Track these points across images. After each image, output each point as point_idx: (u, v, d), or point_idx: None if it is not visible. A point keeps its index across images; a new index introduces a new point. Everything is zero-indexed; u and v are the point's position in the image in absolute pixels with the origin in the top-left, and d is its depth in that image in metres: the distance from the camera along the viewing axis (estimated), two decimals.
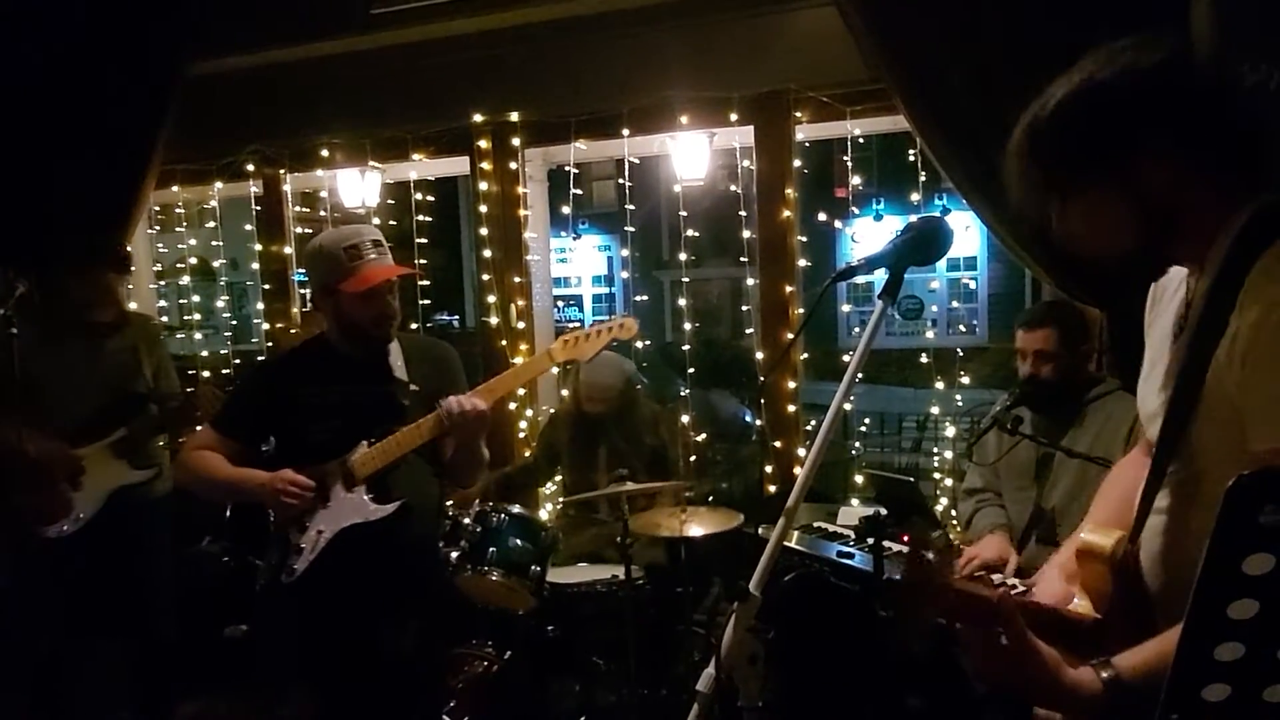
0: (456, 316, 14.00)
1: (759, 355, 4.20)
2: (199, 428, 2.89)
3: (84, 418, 3.44)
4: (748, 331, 4.38)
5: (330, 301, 2.62)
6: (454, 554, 3.21)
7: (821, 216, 5.00)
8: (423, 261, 5.03)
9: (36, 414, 3.31)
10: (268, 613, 2.70)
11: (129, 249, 4.21)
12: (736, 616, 1.38)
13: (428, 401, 2.59)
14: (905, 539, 3.21)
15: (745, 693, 1.29)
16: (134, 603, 3.59)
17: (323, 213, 5.12)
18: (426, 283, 5.04)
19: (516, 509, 3.40)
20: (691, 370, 4.47)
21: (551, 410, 4.58)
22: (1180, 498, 1.38)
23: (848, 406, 4.58)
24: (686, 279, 4.56)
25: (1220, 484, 1.27)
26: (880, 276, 1.47)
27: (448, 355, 2.87)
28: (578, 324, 20.06)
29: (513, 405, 4.52)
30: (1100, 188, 1.34)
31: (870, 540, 2.83)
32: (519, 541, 3.30)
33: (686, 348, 4.53)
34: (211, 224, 5.23)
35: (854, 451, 4.57)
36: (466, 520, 3.29)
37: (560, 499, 4.28)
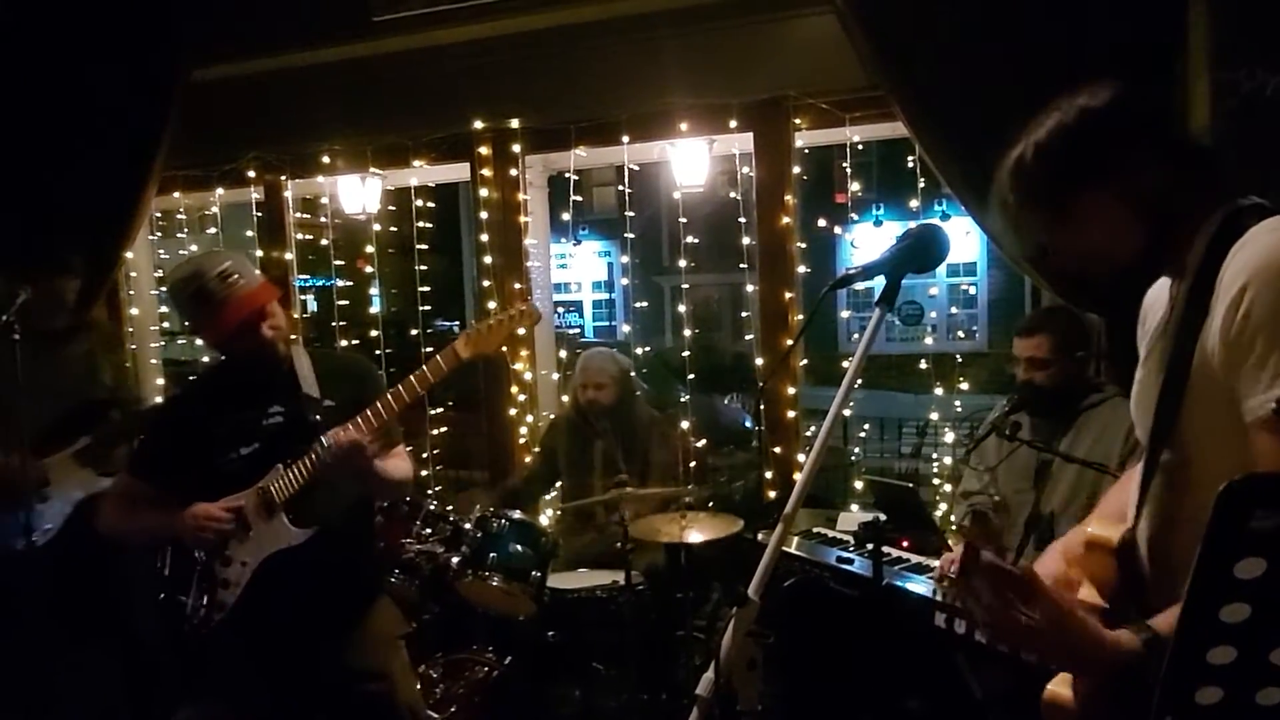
0: (456, 322, 14.01)
1: (759, 361, 4.22)
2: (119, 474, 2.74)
3: (45, 427, 3.38)
4: (747, 337, 4.40)
5: (208, 343, 2.53)
6: (455, 559, 3.21)
7: (821, 222, 5.02)
8: (423, 268, 5.05)
9: None
10: (202, 650, 2.54)
11: (127, 248, 4.16)
12: (736, 621, 1.39)
13: (344, 416, 2.46)
14: (904, 544, 3.23)
15: (744, 697, 1.30)
16: (106, 612, 3.55)
17: (323, 219, 5.13)
18: (427, 289, 5.06)
19: (517, 514, 3.42)
20: (691, 376, 4.48)
21: (552, 416, 4.60)
22: (1171, 485, 1.44)
23: (846, 412, 4.61)
24: (686, 285, 4.58)
25: (1208, 469, 1.36)
26: (879, 283, 1.49)
27: (363, 368, 2.78)
28: (578, 330, 19.96)
29: (513, 411, 4.54)
30: (1099, 207, 1.44)
31: (869, 546, 2.84)
32: (519, 547, 3.31)
33: (686, 354, 4.54)
34: (213, 230, 5.24)
35: (853, 457, 4.58)
36: (467, 525, 3.30)
37: (560, 505, 4.29)
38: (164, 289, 5.55)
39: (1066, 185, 1.46)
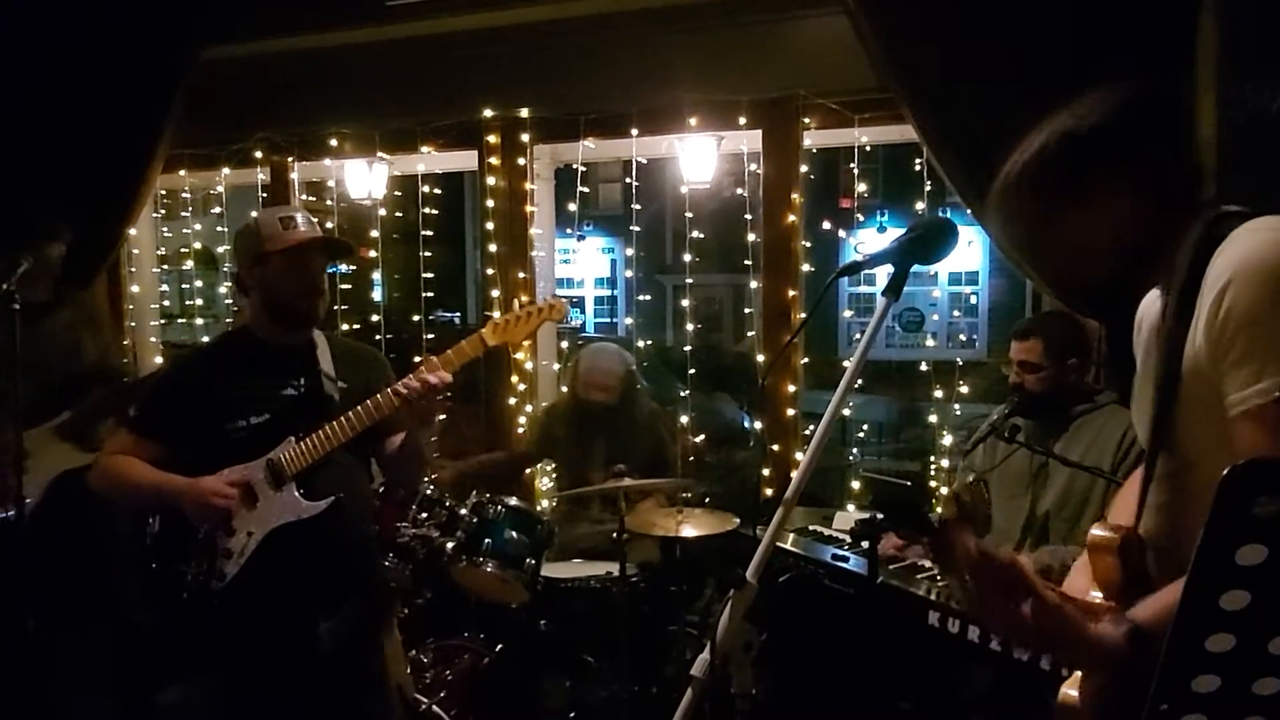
0: (458, 314, 13.99)
1: (760, 358, 4.21)
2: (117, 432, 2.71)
3: (26, 400, 3.31)
4: (749, 334, 4.40)
5: (257, 272, 2.51)
6: (450, 544, 3.21)
7: (826, 225, 5.02)
8: (427, 254, 5.05)
9: None
10: (199, 619, 2.53)
11: (131, 225, 4.14)
12: (733, 603, 1.39)
13: (356, 399, 2.49)
14: (901, 545, 3.22)
15: (739, 680, 1.30)
16: (81, 587, 3.54)
17: (329, 202, 5.11)
18: (431, 275, 5.05)
19: (514, 501, 3.40)
20: (692, 371, 4.48)
21: (546, 404, 4.58)
22: (1173, 490, 1.46)
23: (846, 412, 4.64)
24: (690, 280, 4.57)
25: (1208, 473, 1.33)
26: (878, 290, 1.49)
27: (376, 356, 2.81)
28: (579, 323, 19.92)
29: (512, 400, 4.54)
30: (1068, 230, 1.51)
31: (865, 543, 2.84)
32: (515, 534, 3.30)
33: (688, 348, 4.54)
34: (217, 209, 5.22)
35: (851, 458, 4.58)
36: (463, 511, 3.29)
37: (557, 493, 4.28)
38: (165, 267, 5.60)
39: (1038, 209, 1.52)
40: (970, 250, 16.37)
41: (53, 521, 3.35)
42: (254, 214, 2.64)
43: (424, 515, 3.27)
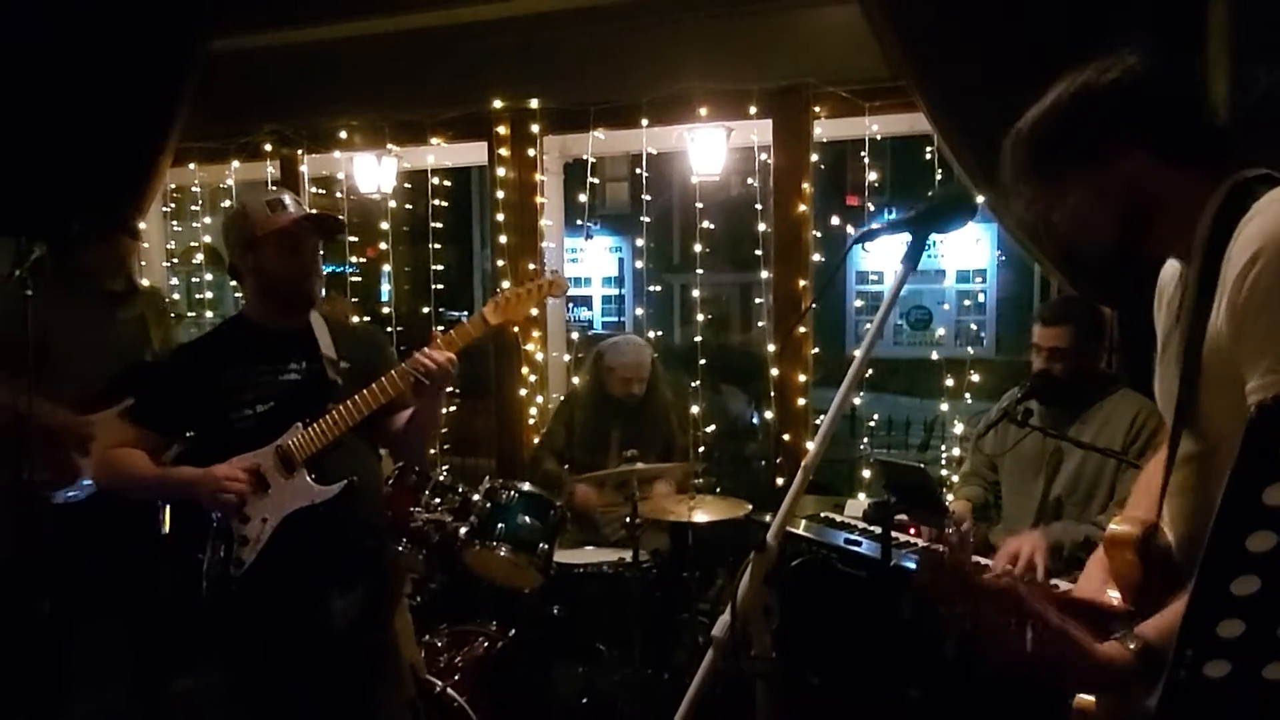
0: (465, 313, 14.02)
1: (770, 348, 4.21)
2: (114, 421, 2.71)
3: (94, 384, 3.45)
4: (759, 324, 4.39)
5: (250, 258, 2.51)
6: (463, 529, 3.20)
7: (835, 220, 5.02)
8: (437, 246, 5.05)
9: (47, 379, 3.33)
10: (219, 607, 2.53)
11: (140, 219, 4.27)
12: (753, 567, 1.39)
13: (358, 379, 2.48)
14: (912, 530, 3.22)
15: (758, 643, 1.30)
16: (139, 572, 3.59)
17: (338, 195, 5.13)
18: (440, 267, 5.05)
19: (526, 486, 3.40)
20: (703, 361, 4.47)
21: (560, 397, 4.58)
22: (1199, 475, 1.39)
23: (856, 401, 4.64)
24: (700, 270, 4.57)
25: (1231, 457, 1.30)
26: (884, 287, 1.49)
27: (374, 333, 2.80)
28: (587, 323, 19.88)
29: (523, 392, 4.54)
30: (1080, 189, 1.43)
31: (878, 528, 2.83)
32: (528, 519, 3.30)
33: (698, 339, 4.53)
34: (227, 203, 5.23)
35: (862, 448, 4.57)
36: (476, 496, 3.29)
37: (570, 477, 4.27)
38: (174, 261, 5.61)
39: (1050, 166, 1.46)
40: (978, 246, 16.35)
41: (114, 505, 3.39)
42: (241, 197, 2.68)
43: (437, 500, 3.27)
